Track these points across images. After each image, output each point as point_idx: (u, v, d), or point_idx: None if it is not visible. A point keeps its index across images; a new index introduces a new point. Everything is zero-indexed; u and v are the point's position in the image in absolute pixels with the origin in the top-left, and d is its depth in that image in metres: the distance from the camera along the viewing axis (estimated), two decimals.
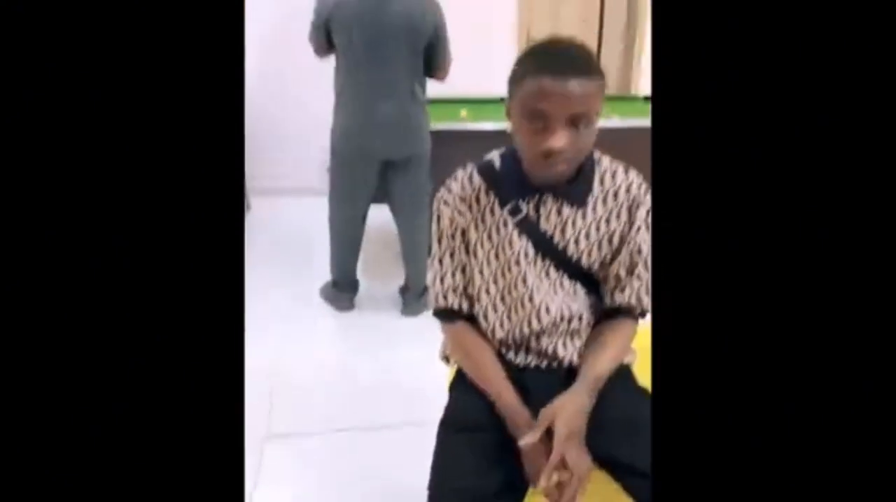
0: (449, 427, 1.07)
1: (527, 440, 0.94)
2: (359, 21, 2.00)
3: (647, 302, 1.07)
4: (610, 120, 2.74)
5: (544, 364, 1.10)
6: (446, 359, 1.24)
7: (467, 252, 1.08)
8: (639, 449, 0.94)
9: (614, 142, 2.55)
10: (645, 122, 2.78)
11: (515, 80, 0.94)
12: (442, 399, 1.17)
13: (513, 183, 1.03)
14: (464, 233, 1.08)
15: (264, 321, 2.43)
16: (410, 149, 2.21)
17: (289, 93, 3.92)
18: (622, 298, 1.07)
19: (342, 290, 2.52)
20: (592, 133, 0.94)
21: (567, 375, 1.07)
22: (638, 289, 1.07)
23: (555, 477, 0.91)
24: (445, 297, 1.10)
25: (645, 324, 0.89)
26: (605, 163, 1.07)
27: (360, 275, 2.63)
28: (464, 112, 2.87)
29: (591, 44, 4.33)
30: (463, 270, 1.09)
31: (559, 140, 0.90)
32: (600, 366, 1.03)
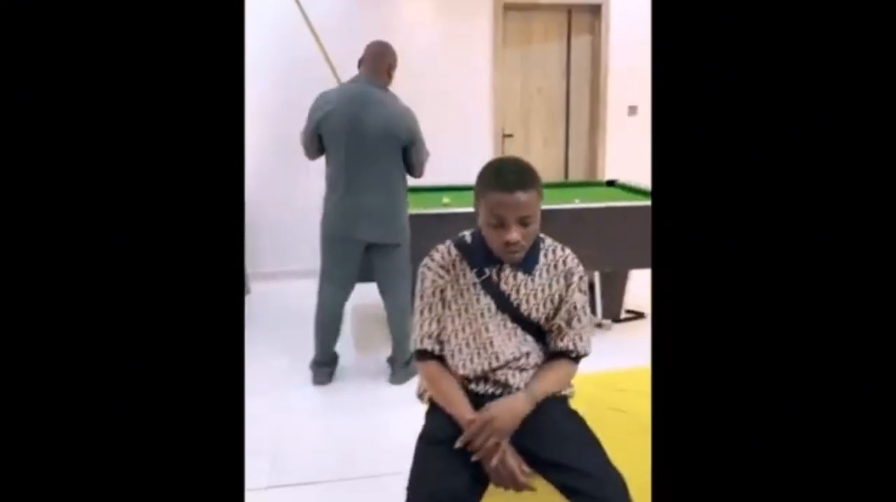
0: (424, 441, 1.35)
1: (468, 428, 1.27)
2: (344, 129, 2.42)
3: (581, 346, 1.38)
4: (573, 202, 3.09)
5: (499, 391, 1.37)
6: (420, 396, 1.50)
7: (443, 306, 1.38)
8: (566, 450, 1.26)
9: (579, 218, 2.90)
10: (608, 203, 3.13)
11: (479, 191, 1.29)
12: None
13: (481, 255, 1.35)
14: (442, 291, 1.37)
15: (263, 386, 2.66)
16: (391, 235, 2.55)
17: (282, 188, 4.23)
18: (562, 344, 1.38)
19: (321, 366, 2.75)
20: (536, 226, 1.29)
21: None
22: (574, 337, 1.37)
23: (479, 442, 1.25)
24: (422, 341, 1.39)
25: (645, 367, 1.03)
26: (548, 241, 1.41)
27: (352, 346, 2.89)
28: (446, 199, 3.24)
29: (560, 138, 4.77)
30: (438, 321, 1.38)
31: (513, 235, 1.25)
32: (537, 384, 1.34)
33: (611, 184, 3.91)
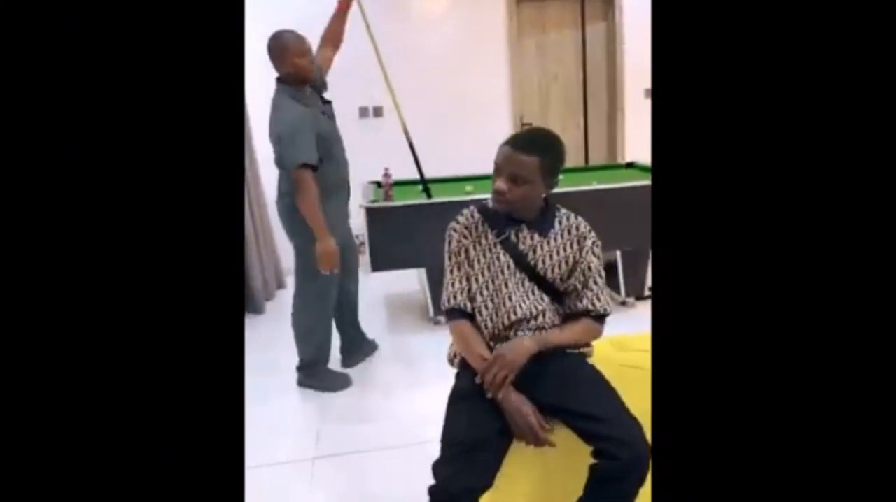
0: (453, 397, 1.46)
1: (482, 366, 1.38)
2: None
3: (600, 305, 1.49)
4: (591, 184, 3.21)
5: None
6: (451, 361, 1.60)
7: (469, 265, 1.51)
8: (584, 399, 1.36)
9: (600, 200, 3.01)
10: (625, 183, 3.27)
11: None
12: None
13: (501, 217, 1.50)
14: (467, 250, 1.51)
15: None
16: (290, 235, 2.58)
17: None
18: (581, 305, 1.49)
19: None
20: (530, 189, 1.42)
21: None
22: (591, 297, 1.49)
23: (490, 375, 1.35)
24: (455, 298, 1.51)
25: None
26: (563, 211, 1.55)
27: (386, 331, 3.05)
28: (469, 187, 3.40)
29: (579, 124, 4.82)
30: (467, 279, 1.51)
31: (500, 184, 1.42)
32: (552, 333, 1.47)
33: (630, 165, 4.02)
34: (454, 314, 1.52)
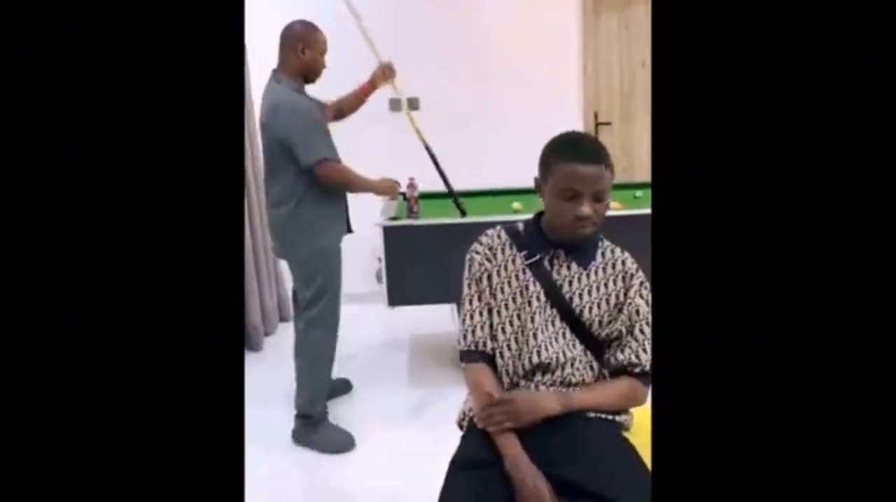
0: (456, 465, 1.34)
1: (485, 406, 1.31)
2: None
3: (645, 359, 1.37)
4: None
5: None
6: (460, 424, 1.48)
7: (491, 294, 1.41)
8: (605, 484, 1.19)
9: None
10: None
11: (551, 161, 1.33)
12: None
13: (533, 239, 1.41)
14: (490, 277, 1.41)
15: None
16: (289, 252, 2.52)
17: None
18: (622, 356, 1.37)
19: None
20: (606, 208, 1.34)
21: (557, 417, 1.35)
22: (636, 348, 1.37)
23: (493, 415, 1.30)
24: (472, 334, 1.41)
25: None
26: (606, 242, 1.46)
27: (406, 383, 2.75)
28: (517, 204, 3.04)
29: None
30: (489, 311, 1.41)
31: (586, 208, 1.29)
32: (581, 393, 1.35)
33: None
34: (471, 356, 1.43)
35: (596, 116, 4.05)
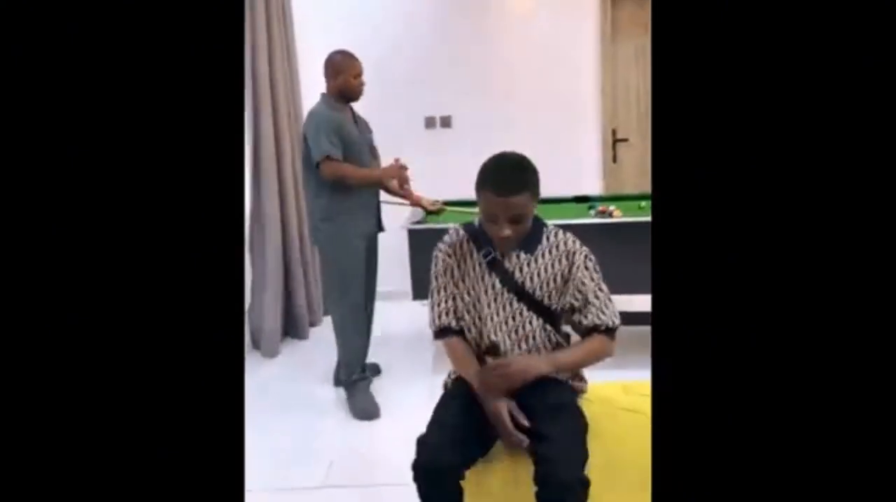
0: (443, 400, 1.61)
1: (480, 372, 1.53)
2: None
3: (605, 319, 1.58)
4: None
5: None
6: (445, 385, 1.72)
7: (454, 284, 1.64)
8: (546, 422, 1.44)
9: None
10: None
11: (478, 187, 1.53)
12: None
13: (487, 238, 1.60)
14: (452, 270, 1.64)
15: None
16: (314, 237, 2.94)
17: None
18: (587, 321, 1.59)
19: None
20: (528, 223, 1.54)
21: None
22: (595, 311, 1.58)
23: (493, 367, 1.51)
24: (441, 317, 1.64)
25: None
26: (550, 226, 1.66)
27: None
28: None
29: None
30: (454, 298, 1.64)
31: (505, 232, 1.51)
32: (561, 352, 1.60)
33: None
34: (445, 333, 1.65)
35: (614, 133, 4.30)
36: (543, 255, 1.59)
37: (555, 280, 1.59)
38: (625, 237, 2.67)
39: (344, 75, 2.71)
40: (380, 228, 2.92)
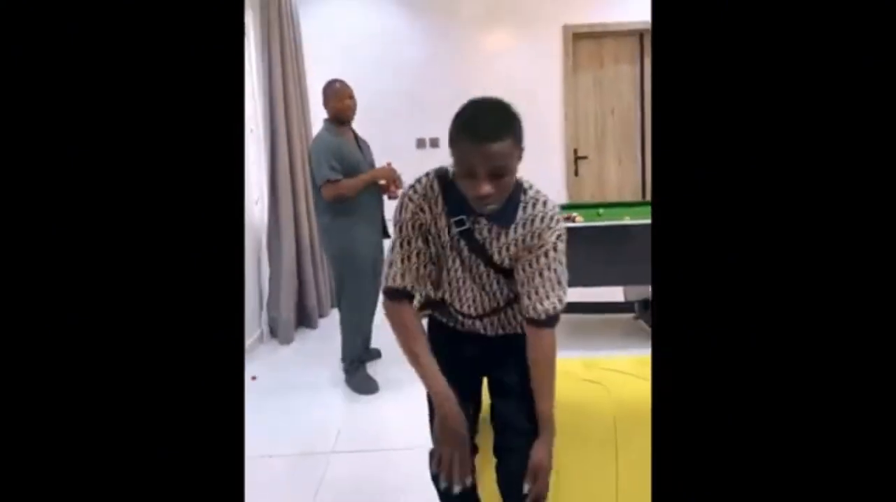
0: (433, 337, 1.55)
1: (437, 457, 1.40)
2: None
3: (542, 309, 1.36)
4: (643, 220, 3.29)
5: (471, 331, 1.56)
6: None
7: (424, 242, 1.42)
8: (517, 378, 1.45)
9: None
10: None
11: (451, 141, 1.27)
12: None
13: (458, 202, 1.37)
14: (422, 226, 1.41)
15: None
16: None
17: None
18: (528, 315, 1.40)
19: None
20: (511, 177, 1.28)
21: (482, 337, 1.55)
22: (535, 301, 1.37)
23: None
24: (401, 277, 1.41)
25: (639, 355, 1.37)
26: (530, 193, 1.40)
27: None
28: None
29: (636, 158, 5.02)
30: (417, 255, 1.41)
31: (485, 188, 1.24)
32: (543, 406, 1.40)
33: None
34: (397, 295, 1.43)
35: (575, 152, 4.93)
36: (516, 229, 1.37)
37: (522, 252, 1.38)
38: (584, 239, 2.99)
39: (334, 101, 3.08)
40: (385, 235, 3.20)
